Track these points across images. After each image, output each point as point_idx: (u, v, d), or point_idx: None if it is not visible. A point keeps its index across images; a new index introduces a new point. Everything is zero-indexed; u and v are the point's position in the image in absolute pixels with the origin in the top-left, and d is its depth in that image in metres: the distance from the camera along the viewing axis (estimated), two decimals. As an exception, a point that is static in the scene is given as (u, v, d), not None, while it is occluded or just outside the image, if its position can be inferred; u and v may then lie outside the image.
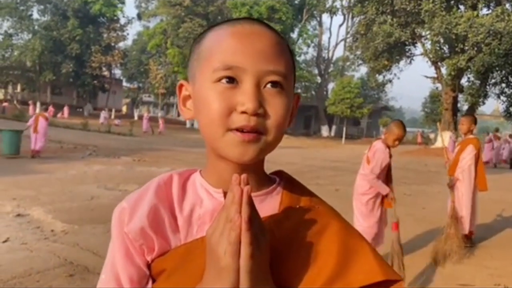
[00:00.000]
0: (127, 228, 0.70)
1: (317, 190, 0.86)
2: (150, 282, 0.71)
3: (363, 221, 4.19)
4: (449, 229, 4.88)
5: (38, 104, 39.73)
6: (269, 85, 0.66)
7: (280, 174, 0.79)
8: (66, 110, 36.92)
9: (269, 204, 0.72)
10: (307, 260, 0.66)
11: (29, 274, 3.74)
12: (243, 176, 0.60)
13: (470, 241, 5.40)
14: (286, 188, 0.75)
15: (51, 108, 33.71)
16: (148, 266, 0.71)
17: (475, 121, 5.52)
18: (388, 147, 4.15)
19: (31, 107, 35.69)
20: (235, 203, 0.58)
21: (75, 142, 16.33)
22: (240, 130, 0.64)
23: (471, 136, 5.42)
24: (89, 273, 3.84)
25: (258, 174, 0.73)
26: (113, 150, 14.68)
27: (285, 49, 0.70)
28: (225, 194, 0.70)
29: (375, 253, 0.68)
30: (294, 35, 37.68)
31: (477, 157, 5.35)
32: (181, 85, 0.75)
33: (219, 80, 0.65)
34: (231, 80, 0.65)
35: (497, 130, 23.57)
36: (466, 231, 5.21)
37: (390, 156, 4.21)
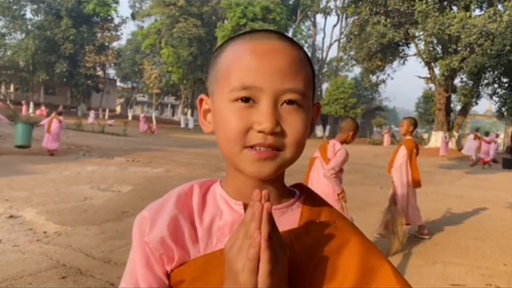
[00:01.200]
0: (148, 238, 0.71)
1: None
2: None
3: None
4: (385, 218, 5.40)
5: (31, 104, 39.68)
6: (286, 103, 0.66)
7: (300, 187, 0.79)
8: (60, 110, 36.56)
9: (290, 218, 0.72)
10: (327, 276, 0.66)
11: (21, 277, 3.72)
12: (264, 192, 0.60)
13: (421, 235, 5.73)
14: (306, 202, 0.75)
15: (43, 108, 33.55)
16: (168, 276, 0.71)
17: (414, 123, 5.82)
18: (342, 143, 4.25)
19: (24, 107, 35.49)
20: (255, 219, 0.58)
21: (69, 142, 16.23)
22: (257, 147, 0.65)
23: (408, 137, 5.78)
24: (82, 275, 3.83)
25: (278, 187, 0.73)
26: (107, 150, 14.63)
27: (304, 64, 0.69)
28: (245, 206, 0.71)
29: (395, 271, 0.68)
30: (289, 35, 37.68)
31: (410, 157, 5.71)
32: (201, 99, 0.75)
33: (237, 99, 0.65)
34: (248, 99, 0.65)
35: (477, 130, 23.72)
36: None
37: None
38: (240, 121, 0.64)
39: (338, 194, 4.11)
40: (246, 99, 0.65)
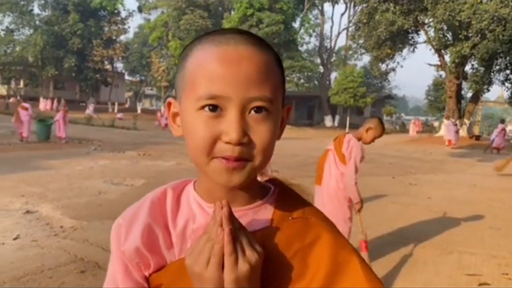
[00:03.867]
0: (123, 247, 0.73)
1: None
2: None
3: (340, 227, 3.96)
4: None
5: (41, 99, 40.03)
6: (253, 111, 0.65)
7: (274, 182, 0.79)
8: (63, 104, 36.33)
9: (263, 216, 0.73)
10: (298, 272, 0.67)
11: (41, 271, 3.78)
12: (224, 201, 0.63)
13: None
14: (279, 199, 0.75)
15: (48, 102, 33.75)
16: (147, 279, 0.74)
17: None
18: (359, 141, 3.88)
19: (42, 103, 35.76)
20: (216, 224, 0.62)
21: (80, 137, 16.39)
22: (225, 158, 0.65)
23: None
24: (100, 269, 3.88)
25: (250, 188, 0.73)
26: (118, 144, 14.73)
27: (272, 69, 0.68)
28: None
29: (363, 265, 0.68)
30: (296, 24, 37.46)
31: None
32: (169, 103, 0.75)
33: (203, 107, 0.65)
34: (215, 108, 0.64)
35: (502, 121, 23.22)
36: None
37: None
38: (208, 131, 0.64)
39: (357, 203, 3.83)
40: (213, 108, 0.64)
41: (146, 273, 0.74)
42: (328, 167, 4.00)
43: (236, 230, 0.62)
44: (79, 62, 42.05)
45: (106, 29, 43.70)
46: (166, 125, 27.93)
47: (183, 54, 0.71)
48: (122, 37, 47.67)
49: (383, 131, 3.88)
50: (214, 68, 0.64)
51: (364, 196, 4.09)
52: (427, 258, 4.57)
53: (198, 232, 0.71)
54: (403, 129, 36.01)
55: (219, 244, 0.60)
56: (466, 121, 25.07)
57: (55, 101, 36.64)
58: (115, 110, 41.31)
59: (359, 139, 3.85)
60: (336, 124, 37.15)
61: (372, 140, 3.83)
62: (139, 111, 42.26)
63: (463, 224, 6.02)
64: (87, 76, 43.48)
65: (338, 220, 3.79)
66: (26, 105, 14.78)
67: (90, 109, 33.52)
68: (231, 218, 0.62)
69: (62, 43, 41.54)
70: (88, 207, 6.08)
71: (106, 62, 45.52)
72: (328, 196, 3.91)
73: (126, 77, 58.50)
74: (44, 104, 36.59)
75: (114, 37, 44.46)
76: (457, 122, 22.41)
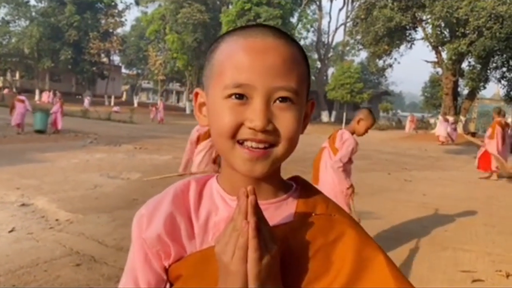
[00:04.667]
0: (145, 235, 0.73)
1: None
2: (168, 286, 0.74)
3: None
4: None
5: (37, 92, 39.81)
6: (278, 101, 0.67)
7: (296, 179, 0.79)
8: (50, 95, 35.29)
9: (285, 212, 0.73)
10: (322, 268, 0.67)
11: (37, 264, 3.78)
12: (250, 188, 0.62)
13: None
14: (302, 195, 0.76)
15: (46, 94, 33.56)
16: (166, 270, 0.74)
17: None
18: (352, 134, 3.95)
19: (45, 95, 35.57)
20: (242, 213, 0.61)
21: (76, 130, 16.33)
22: (248, 144, 0.66)
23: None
24: (96, 263, 3.88)
25: (273, 182, 0.74)
26: (114, 137, 14.69)
27: (298, 61, 0.70)
28: None
29: (389, 263, 0.68)
30: (294, 19, 37.32)
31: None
32: (197, 93, 0.77)
33: (230, 96, 0.66)
34: (241, 96, 0.66)
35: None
36: None
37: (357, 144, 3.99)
38: (233, 117, 0.66)
39: (347, 189, 3.88)
40: (239, 96, 0.66)
41: (166, 264, 0.73)
42: (324, 164, 4.02)
43: (260, 222, 0.62)
44: (75, 54, 41.80)
45: (103, 21, 43.43)
46: (162, 119, 27.80)
47: (211, 48, 0.73)
48: (119, 30, 47.50)
49: (374, 121, 3.94)
50: (241, 58, 0.66)
51: (360, 191, 4.09)
52: (421, 254, 4.60)
53: (220, 224, 0.72)
54: (399, 125, 36.05)
55: (243, 238, 0.60)
56: (462, 118, 25.13)
57: (51, 94, 36.41)
58: (112, 103, 41.18)
59: (352, 133, 3.92)
60: (332, 119, 37.18)
61: (365, 131, 3.89)
62: (135, 104, 42.16)
63: (458, 221, 6.05)
64: (84, 68, 43.25)
65: None
66: (22, 97, 15.19)
67: (86, 102, 33.35)
68: (257, 207, 0.62)
69: (59, 35, 41.26)
70: (84, 200, 6.06)
71: (102, 55, 45.30)
72: (326, 193, 3.87)
73: (123, 70, 58.26)
74: (46, 96, 36.19)
75: (111, 30, 44.22)
76: (452, 119, 22.44)
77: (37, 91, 41.04)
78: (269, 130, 0.65)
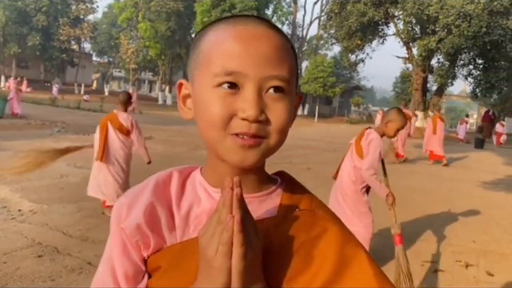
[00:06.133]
0: (124, 224, 0.71)
1: (289, 169, 0.87)
2: (146, 277, 0.72)
3: (359, 221, 3.68)
4: None
5: (2, 78, 38.39)
6: (271, 90, 0.65)
7: (281, 174, 0.78)
8: (25, 83, 33.87)
9: (269, 206, 0.72)
10: (303, 264, 0.66)
11: (-4, 255, 3.67)
12: (236, 179, 0.60)
13: None
14: (286, 190, 0.74)
15: (12, 80, 32.36)
16: (145, 262, 0.72)
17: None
18: (382, 136, 3.69)
19: (24, 84, 34.14)
20: (226, 205, 0.59)
21: (43, 118, 15.87)
22: (240, 135, 0.64)
23: None
24: (59, 254, 3.80)
25: (258, 175, 0.73)
26: (83, 126, 14.33)
27: (289, 52, 0.68)
28: None
29: (371, 261, 0.68)
30: (269, 11, 37.25)
31: None
32: (181, 84, 0.73)
33: (220, 85, 0.64)
34: (232, 85, 0.63)
35: (467, 116, 25.02)
36: None
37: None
38: (224, 107, 0.63)
39: (386, 197, 3.56)
40: (231, 85, 0.63)
41: (145, 254, 0.71)
42: (347, 161, 3.86)
43: (244, 215, 0.60)
44: (44, 40, 40.49)
45: (73, 7, 42.22)
46: (134, 109, 27.29)
47: (196, 37, 0.71)
48: (90, 17, 46.30)
49: (405, 121, 3.65)
50: (232, 45, 0.64)
51: (331, 183, 4.08)
52: (385, 245, 4.70)
53: (202, 216, 0.70)
54: (370, 119, 36.67)
55: (228, 233, 0.58)
56: (430, 113, 25.75)
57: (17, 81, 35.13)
58: (82, 92, 40.14)
59: (382, 135, 3.67)
60: (305, 112, 37.47)
61: (396, 133, 3.67)
62: (106, 93, 41.22)
63: (422, 213, 6.22)
64: (53, 55, 41.96)
65: (355, 213, 3.69)
66: None
67: (54, 90, 32.39)
68: (242, 201, 0.60)
69: (26, 19, 39.85)
70: (49, 190, 5.92)
71: (73, 42, 44.05)
72: (341, 190, 3.80)
73: (94, 58, 56.89)
74: (13, 83, 34.74)
75: (81, 16, 43.04)
76: (416, 113, 22.94)
77: (2, 78, 39.58)
78: (262, 121, 0.63)
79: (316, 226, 0.69)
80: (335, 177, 3.96)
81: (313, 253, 0.67)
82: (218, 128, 0.64)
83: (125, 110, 5.28)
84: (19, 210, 4.97)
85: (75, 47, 45.79)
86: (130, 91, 37.13)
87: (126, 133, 5.21)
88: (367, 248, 3.58)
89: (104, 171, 5.09)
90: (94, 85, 56.10)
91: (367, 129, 3.86)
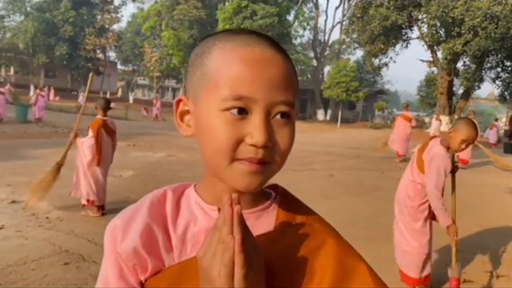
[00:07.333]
0: (120, 248, 0.69)
1: (311, 176, 0.86)
2: None
3: (412, 240, 3.44)
4: None
5: (31, 87, 39.53)
6: (278, 116, 0.65)
7: (275, 188, 0.78)
8: (52, 92, 34.98)
9: (265, 221, 0.71)
10: (303, 279, 0.66)
11: (24, 263, 3.75)
12: (234, 196, 0.60)
13: None
14: (281, 204, 0.74)
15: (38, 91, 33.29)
16: (142, 285, 0.71)
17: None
18: (448, 149, 3.30)
19: (52, 93, 35.15)
20: (227, 224, 0.58)
21: (70, 126, 16.22)
22: (247, 160, 0.63)
23: None
24: (85, 262, 3.86)
25: (255, 192, 0.72)
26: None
27: (294, 75, 0.68)
28: (220, 211, 0.70)
29: (372, 273, 0.67)
30: (290, 17, 37.32)
31: None
32: (180, 100, 0.72)
33: (228, 109, 0.63)
34: (241, 110, 0.63)
35: (496, 119, 24.54)
36: None
37: (454, 164, 3.37)
38: (232, 133, 0.62)
39: (447, 228, 3.25)
40: (240, 110, 0.63)
41: (142, 278, 0.70)
42: (406, 172, 3.62)
43: (245, 233, 0.59)
44: (70, 50, 41.56)
45: (98, 17, 43.21)
46: (157, 116, 27.67)
47: (199, 51, 0.69)
48: (115, 26, 47.22)
49: (475, 134, 3.18)
50: (241, 69, 0.63)
51: (353, 191, 3.98)
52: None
53: (199, 235, 0.70)
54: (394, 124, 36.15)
55: (229, 253, 0.57)
56: (456, 117, 25.23)
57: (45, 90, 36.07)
58: (107, 100, 40.90)
59: (447, 147, 3.29)
60: (328, 118, 37.22)
61: (463, 147, 3.22)
62: (131, 101, 41.99)
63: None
64: (79, 64, 43.00)
65: (409, 231, 3.47)
66: (2, 90, 17.67)
67: (81, 98, 33.21)
68: (242, 218, 0.59)
69: (54, 30, 41.00)
70: (75, 198, 6.02)
71: (98, 51, 45.11)
72: (398, 203, 3.59)
73: (119, 66, 58.03)
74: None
75: (106, 26, 43.99)
76: (441, 117, 22.54)
77: (32, 87, 40.75)
78: (269, 147, 0.63)
79: (314, 240, 0.69)
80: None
81: (313, 266, 0.67)
82: (224, 154, 0.63)
83: (105, 115, 5.80)
84: (47, 218, 5.09)
85: (100, 56, 46.87)
86: (154, 99, 37.76)
87: (112, 135, 5.80)
88: (418, 269, 3.47)
89: (96, 173, 5.53)
90: (119, 93, 57.18)
91: (431, 138, 3.51)
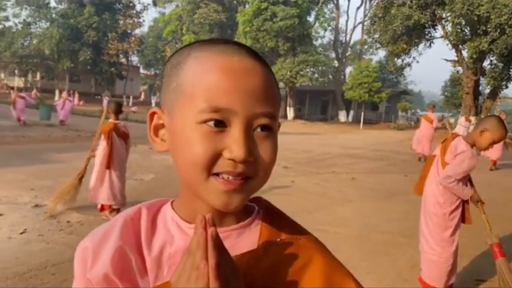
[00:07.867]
0: (90, 274, 0.65)
1: (333, 179, 0.79)
2: None
3: (440, 249, 3.31)
4: None
5: (56, 92, 40.49)
6: (259, 129, 0.61)
7: (258, 201, 0.73)
8: (76, 97, 35.02)
9: (248, 238, 0.67)
10: None
11: (45, 267, 3.78)
12: (208, 216, 0.55)
13: None
14: (265, 219, 0.69)
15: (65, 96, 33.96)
16: None
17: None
18: (472, 147, 3.19)
19: (76, 97, 35.83)
20: (200, 248, 0.54)
21: (93, 130, 16.49)
22: (225, 176, 0.59)
23: None
24: (103, 266, 3.86)
25: None
26: (130, 138, 14.79)
27: (273, 83, 0.64)
28: None
29: None
30: (311, 18, 37.10)
31: None
32: (153, 113, 0.67)
33: (205, 122, 0.58)
34: (219, 123, 0.58)
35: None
36: None
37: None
38: (209, 146, 0.58)
39: (476, 202, 3.25)
40: (217, 122, 0.58)
41: None
42: (432, 177, 3.45)
43: (221, 256, 0.55)
44: (94, 55, 42.38)
45: (121, 22, 43.93)
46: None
47: (174, 61, 0.65)
48: (137, 31, 47.95)
49: (504, 133, 3.08)
50: (219, 79, 0.59)
51: (375, 194, 3.89)
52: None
53: (176, 256, 0.65)
54: (419, 125, 35.54)
55: (203, 280, 0.53)
56: (472, 118, 24.60)
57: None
58: (130, 104, 41.59)
59: (472, 145, 3.18)
60: (350, 119, 36.86)
61: (490, 145, 3.12)
62: (153, 104, 42.49)
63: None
64: (102, 69, 43.82)
65: (437, 240, 3.35)
66: (22, 94, 18.30)
67: (105, 102, 33.75)
68: (217, 240, 0.55)
69: (78, 36, 41.90)
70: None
71: (121, 56, 45.81)
72: (425, 210, 3.44)
73: (141, 70, 58.90)
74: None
75: (129, 31, 44.70)
76: (471, 118, 21.94)
77: (57, 92, 41.71)
78: (250, 161, 0.59)
79: (300, 257, 0.65)
80: (419, 192, 3.56)
81: (299, 286, 0.63)
82: (200, 169, 0.59)
83: (117, 119, 5.83)
84: (68, 222, 5.13)
85: (123, 60, 47.62)
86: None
87: (126, 138, 5.87)
88: (443, 279, 3.35)
89: (111, 176, 5.57)
90: (142, 96, 58.03)
91: (454, 138, 3.34)
